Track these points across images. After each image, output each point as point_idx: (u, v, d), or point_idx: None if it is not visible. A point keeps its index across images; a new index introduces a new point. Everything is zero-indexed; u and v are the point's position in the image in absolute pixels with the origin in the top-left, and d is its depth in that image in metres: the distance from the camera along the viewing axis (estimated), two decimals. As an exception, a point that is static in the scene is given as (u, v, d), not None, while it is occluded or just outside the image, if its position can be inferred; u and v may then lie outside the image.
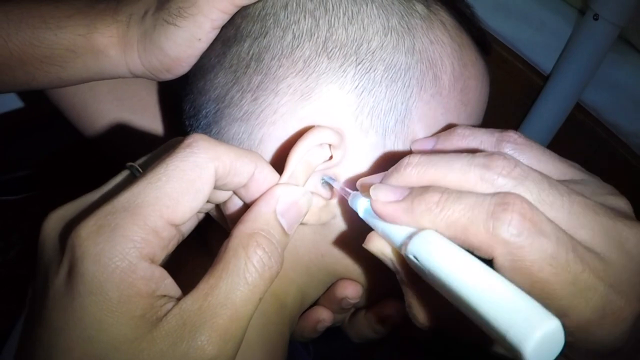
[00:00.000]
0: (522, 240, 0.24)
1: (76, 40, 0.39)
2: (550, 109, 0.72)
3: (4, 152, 0.72)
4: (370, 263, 0.37)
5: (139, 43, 0.39)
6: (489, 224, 0.24)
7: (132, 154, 0.56)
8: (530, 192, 0.25)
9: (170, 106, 0.57)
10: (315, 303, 0.42)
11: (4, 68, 0.40)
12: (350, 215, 0.36)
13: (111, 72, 0.41)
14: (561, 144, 0.74)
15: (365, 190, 0.30)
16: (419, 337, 0.43)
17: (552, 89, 0.72)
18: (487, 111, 0.41)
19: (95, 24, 0.39)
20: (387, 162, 0.35)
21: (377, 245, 0.29)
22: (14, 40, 0.39)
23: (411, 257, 0.26)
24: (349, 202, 0.31)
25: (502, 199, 0.25)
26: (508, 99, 0.76)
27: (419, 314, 0.30)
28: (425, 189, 0.27)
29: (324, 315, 0.41)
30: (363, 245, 0.30)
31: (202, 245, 0.39)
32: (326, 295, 0.40)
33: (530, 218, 0.24)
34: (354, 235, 0.36)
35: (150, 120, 0.56)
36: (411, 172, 0.28)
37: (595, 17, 0.65)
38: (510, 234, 0.24)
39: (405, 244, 0.26)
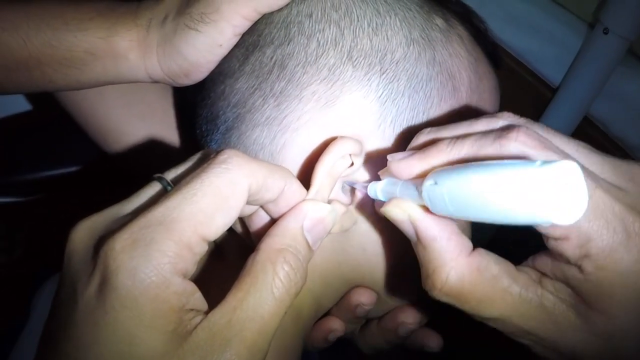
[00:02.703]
0: (530, 152, 0.24)
1: (96, 43, 0.39)
2: (559, 121, 0.73)
3: (11, 153, 0.72)
4: (387, 269, 0.38)
5: (159, 47, 0.39)
6: (496, 144, 0.25)
7: (142, 160, 0.56)
8: (536, 132, 0.26)
9: (181, 110, 0.57)
10: (326, 314, 0.42)
11: (22, 69, 0.40)
12: (370, 221, 0.36)
13: (130, 76, 0.41)
14: (568, 156, 0.74)
15: (384, 173, 0.31)
16: (427, 346, 0.43)
17: (560, 101, 0.72)
18: (495, 122, 0.42)
19: (115, 27, 0.39)
20: None
21: (394, 205, 0.28)
22: (34, 41, 0.39)
23: (431, 182, 0.25)
24: (368, 190, 0.31)
25: (509, 124, 0.26)
26: (516, 110, 0.75)
27: (440, 272, 0.26)
28: (436, 141, 0.28)
29: (335, 325, 0.41)
30: (381, 210, 0.29)
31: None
32: (339, 304, 0.40)
33: (537, 137, 0.24)
34: (372, 242, 0.37)
35: (158, 126, 0.56)
36: (423, 138, 0.29)
37: (605, 31, 0.66)
38: (518, 149, 0.24)
39: (422, 184, 0.26)
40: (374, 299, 0.38)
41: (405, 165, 0.28)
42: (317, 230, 0.30)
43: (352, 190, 0.36)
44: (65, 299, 0.25)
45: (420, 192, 0.26)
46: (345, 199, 0.36)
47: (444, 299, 0.26)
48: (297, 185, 0.30)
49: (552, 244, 0.24)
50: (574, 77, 0.71)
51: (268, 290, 0.26)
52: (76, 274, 0.25)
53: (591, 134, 0.73)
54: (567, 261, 0.24)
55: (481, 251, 0.27)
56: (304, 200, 0.31)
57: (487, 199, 0.22)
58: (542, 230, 0.24)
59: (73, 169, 0.72)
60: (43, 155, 0.72)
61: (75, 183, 0.72)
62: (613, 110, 0.71)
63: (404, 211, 0.28)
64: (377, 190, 0.31)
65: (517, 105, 0.80)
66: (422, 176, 0.26)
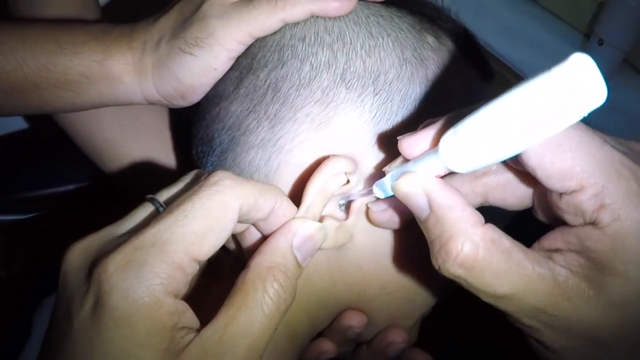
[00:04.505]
0: None
1: (91, 67, 0.39)
2: (555, 132, 0.73)
3: (10, 172, 0.73)
4: (381, 289, 0.38)
5: (154, 70, 0.39)
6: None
7: (138, 179, 0.57)
8: None
9: (177, 131, 0.57)
10: (319, 334, 0.42)
11: (17, 92, 0.40)
12: (365, 236, 0.36)
13: (125, 98, 0.41)
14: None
15: (390, 168, 0.30)
16: None
17: (557, 112, 0.72)
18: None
19: (110, 50, 0.39)
20: None
21: (406, 178, 0.27)
22: (29, 64, 0.39)
23: (450, 132, 0.24)
24: (375, 190, 0.31)
25: None
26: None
27: (454, 240, 0.25)
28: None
29: (327, 347, 0.41)
30: (392, 185, 0.28)
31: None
32: (330, 326, 0.40)
33: None
34: (367, 259, 0.37)
35: (153, 146, 0.56)
36: (429, 122, 0.29)
37: (600, 42, 0.66)
38: None
39: (439, 143, 0.25)
40: (365, 322, 0.39)
41: (418, 136, 0.27)
42: (306, 248, 0.30)
43: (348, 207, 0.36)
44: (61, 318, 0.26)
45: (437, 152, 0.25)
46: (341, 215, 0.36)
47: (457, 271, 0.25)
48: (288, 204, 0.31)
49: (566, 200, 0.24)
50: (570, 88, 0.71)
51: (258, 308, 0.27)
52: (71, 294, 0.26)
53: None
54: (582, 219, 0.24)
55: (493, 225, 0.26)
56: (293, 217, 0.31)
57: (518, 119, 0.21)
58: (558, 187, 0.24)
59: (72, 187, 0.72)
60: (42, 174, 0.73)
61: (74, 200, 0.73)
62: (609, 120, 0.71)
63: (417, 183, 0.27)
64: (385, 182, 0.30)
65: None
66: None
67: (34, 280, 0.75)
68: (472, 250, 0.24)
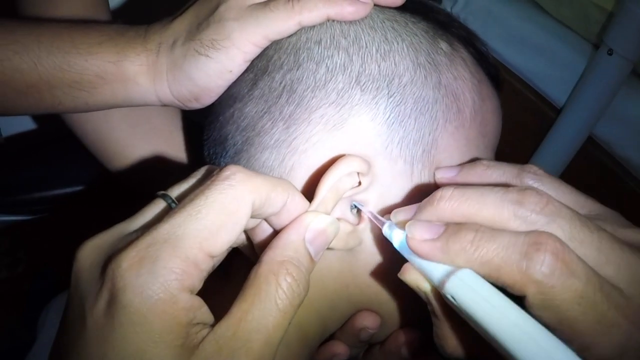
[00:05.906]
0: (553, 280, 0.25)
1: (106, 67, 0.39)
2: (563, 141, 0.73)
3: (17, 172, 0.73)
4: (393, 292, 0.38)
5: (169, 72, 0.39)
6: (522, 264, 0.25)
7: (148, 181, 0.56)
8: (562, 229, 0.26)
9: (189, 132, 0.57)
10: (330, 337, 0.42)
11: (31, 91, 0.40)
12: (376, 242, 0.36)
13: (139, 99, 0.41)
14: (572, 177, 0.74)
15: (399, 222, 0.31)
16: None
17: (564, 121, 0.73)
18: (500, 142, 0.43)
19: (125, 51, 0.39)
20: (414, 190, 0.36)
21: (413, 277, 0.30)
22: (44, 64, 0.39)
23: (449, 296, 0.27)
24: (384, 231, 0.32)
25: (535, 238, 0.25)
26: (521, 130, 0.76)
27: (449, 343, 0.31)
28: (459, 228, 0.28)
29: (339, 349, 0.41)
30: (398, 275, 0.30)
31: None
32: (343, 328, 0.40)
33: (562, 258, 0.25)
34: (379, 263, 0.37)
35: (164, 147, 0.56)
36: (445, 206, 0.29)
37: (610, 52, 0.66)
38: (543, 274, 0.25)
39: (442, 282, 0.27)
40: (378, 323, 0.39)
41: (427, 250, 0.28)
42: (318, 242, 0.30)
43: (359, 210, 0.36)
44: (74, 317, 0.26)
45: (440, 288, 0.28)
46: (353, 218, 0.36)
47: (451, 357, 0.31)
48: (300, 198, 0.31)
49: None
50: (578, 98, 0.71)
51: (272, 302, 0.26)
52: (84, 292, 0.26)
53: (594, 153, 0.74)
54: None
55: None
56: (305, 212, 0.31)
57: (503, 348, 0.25)
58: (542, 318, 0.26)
59: (78, 188, 0.72)
60: (48, 175, 0.73)
61: (79, 202, 0.73)
62: (616, 130, 0.71)
63: (420, 286, 0.30)
64: (393, 238, 0.31)
65: (522, 126, 0.80)
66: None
67: (36, 281, 0.75)
68: (460, 355, 0.30)
